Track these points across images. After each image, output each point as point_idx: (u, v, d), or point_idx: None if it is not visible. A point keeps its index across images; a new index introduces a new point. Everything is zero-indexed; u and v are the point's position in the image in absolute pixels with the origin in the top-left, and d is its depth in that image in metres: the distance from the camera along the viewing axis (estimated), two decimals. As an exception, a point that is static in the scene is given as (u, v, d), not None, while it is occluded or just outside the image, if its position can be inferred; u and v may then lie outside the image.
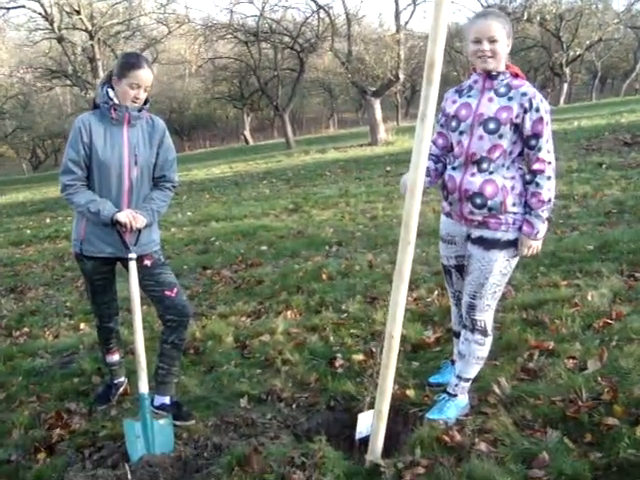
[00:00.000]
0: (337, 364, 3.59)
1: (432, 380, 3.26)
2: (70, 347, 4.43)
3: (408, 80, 27.67)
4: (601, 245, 4.88)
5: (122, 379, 3.61)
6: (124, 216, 2.99)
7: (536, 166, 2.62)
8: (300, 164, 15.66)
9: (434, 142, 2.90)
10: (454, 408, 2.91)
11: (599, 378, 2.94)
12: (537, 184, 2.62)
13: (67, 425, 3.29)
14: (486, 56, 2.63)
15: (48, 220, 11.01)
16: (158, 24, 19.27)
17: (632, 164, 8.17)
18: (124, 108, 2.99)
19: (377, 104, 17.62)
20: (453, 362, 3.28)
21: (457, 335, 3.24)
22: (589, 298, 3.85)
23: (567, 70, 27.70)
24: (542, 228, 2.67)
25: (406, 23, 17.33)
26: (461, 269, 2.97)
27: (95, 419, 3.35)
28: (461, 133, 2.73)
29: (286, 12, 23.17)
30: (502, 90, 2.65)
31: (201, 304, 5.09)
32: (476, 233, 2.77)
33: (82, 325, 4.92)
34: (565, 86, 28.32)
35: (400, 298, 2.48)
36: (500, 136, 2.62)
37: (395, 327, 2.51)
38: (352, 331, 4.04)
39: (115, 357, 3.55)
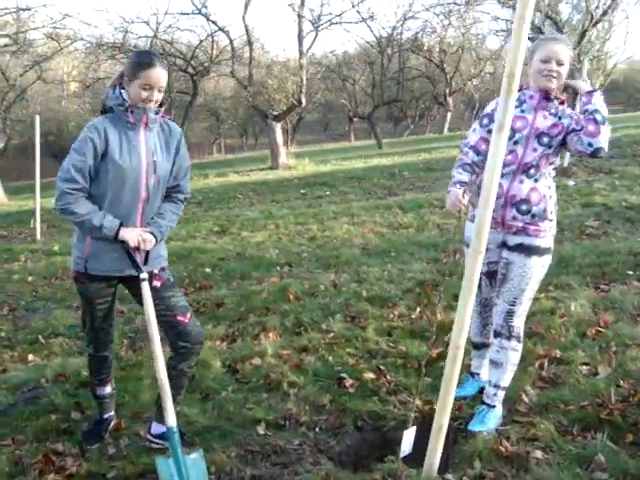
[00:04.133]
0: (347, 384, 3.49)
1: (456, 394, 3.24)
2: (28, 381, 3.96)
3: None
4: (559, 261, 5.17)
5: (112, 413, 3.28)
6: (133, 238, 2.77)
7: None
8: (205, 187, 15.27)
9: (476, 148, 2.93)
10: (494, 419, 2.93)
11: (621, 381, 3.09)
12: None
13: (62, 469, 2.93)
14: (551, 76, 2.76)
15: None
16: (48, 39, 18.16)
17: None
18: (142, 110, 2.75)
19: (278, 128, 17.71)
20: (472, 375, 3.31)
21: (477, 346, 3.27)
22: (572, 309, 4.06)
23: (450, 100, 29.42)
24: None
25: (308, 49, 17.70)
26: (491, 275, 3.04)
27: (93, 459, 3.01)
28: (515, 143, 2.83)
29: (174, 34, 22.64)
30: (553, 111, 2.83)
31: (165, 330, 4.77)
32: (515, 240, 2.86)
33: (30, 356, 4.43)
34: (449, 115, 30.04)
35: (468, 309, 2.47)
36: (549, 146, 2.79)
37: (461, 338, 2.49)
38: (348, 350, 3.95)
39: (107, 389, 3.22)
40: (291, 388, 3.50)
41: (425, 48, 25.69)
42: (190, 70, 22.25)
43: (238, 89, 23.90)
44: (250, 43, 17.25)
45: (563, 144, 2.83)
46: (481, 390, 3.24)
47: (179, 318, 2.93)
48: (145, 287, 2.78)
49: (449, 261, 5.80)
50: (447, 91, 29.21)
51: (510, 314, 2.88)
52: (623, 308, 4.05)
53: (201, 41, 21.31)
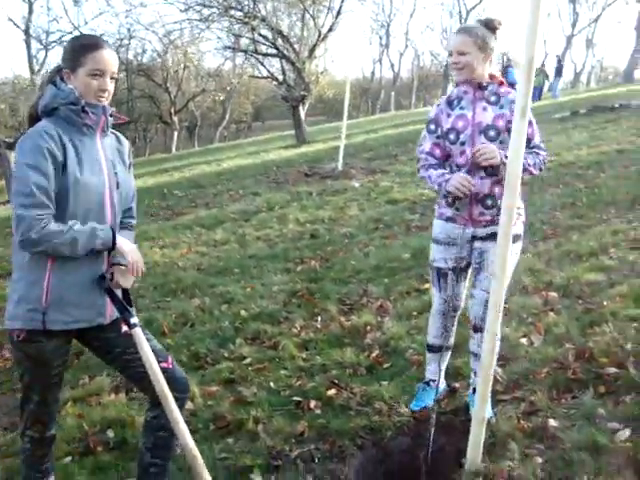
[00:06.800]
0: (311, 405, 3.25)
1: (415, 407, 3.13)
2: None
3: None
4: (413, 253, 5.50)
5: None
6: (132, 252, 2.24)
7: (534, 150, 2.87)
8: None
9: (431, 153, 2.93)
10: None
11: (566, 344, 3.41)
12: (536, 153, 2.85)
13: None
14: (457, 68, 2.84)
15: None
16: None
17: (340, 190, 9.16)
18: (100, 109, 2.19)
19: (12, 157, 15.68)
20: (428, 383, 3.22)
21: (434, 349, 3.18)
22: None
23: (176, 119, 29.15)
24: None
25: (39, 70, 15.85)
26: (458, 271, 3.04)
27: None
28: (462, 144, 2.83)
29: None
30: (493, 99, 2.85)
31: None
32: (486, 231, 2.88)
33: None
34: (175, 134, 29.68)
35: (501, 298, 2.49)
36: (501, 142, 2.79)
37: (497, 325, 2.52)
38: (282, 372, 3.67)
39: (52, 480, 2.53)
40: (256, 425, 3.13)
41: (147, 68, 25.22)
42: None
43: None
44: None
45: None
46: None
47: (162, 365, 2.41)
48: (139, 333, 2.24)
49: (306, 268, 5.76)
50: (172, 110, 28.97)
51: (489, 302, 2.93)
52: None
53: None
